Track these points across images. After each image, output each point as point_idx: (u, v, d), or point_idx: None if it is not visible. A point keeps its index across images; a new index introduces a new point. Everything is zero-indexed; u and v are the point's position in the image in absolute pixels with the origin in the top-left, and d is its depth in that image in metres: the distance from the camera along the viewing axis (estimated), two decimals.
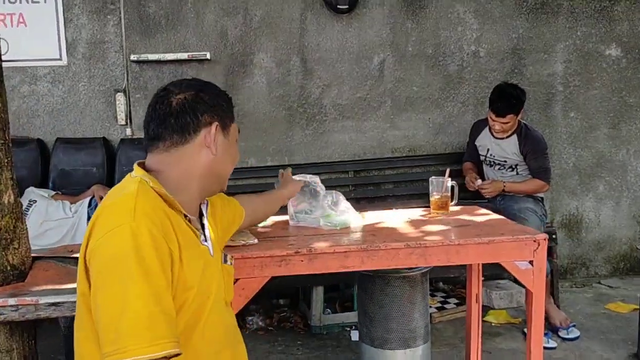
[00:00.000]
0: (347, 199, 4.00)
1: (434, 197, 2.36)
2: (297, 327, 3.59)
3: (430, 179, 2.38)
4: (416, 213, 2.42)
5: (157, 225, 1.13)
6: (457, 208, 2.47)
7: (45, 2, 3.83)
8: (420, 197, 4.03)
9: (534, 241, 1.97)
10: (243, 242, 1.93)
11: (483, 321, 3.09)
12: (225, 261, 1.48)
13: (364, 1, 3.98)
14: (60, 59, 3.89)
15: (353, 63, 4.06)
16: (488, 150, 3.68)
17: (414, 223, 2.22)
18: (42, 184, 3.77)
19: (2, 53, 3.81)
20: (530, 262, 2.00)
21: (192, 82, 1.36)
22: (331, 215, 2.14)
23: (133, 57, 3.85)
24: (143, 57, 3.85)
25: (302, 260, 1.89)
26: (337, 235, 2.04)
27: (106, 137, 3.92)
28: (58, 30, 3.86)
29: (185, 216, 1.27)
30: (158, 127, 1.30)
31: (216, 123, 1.32)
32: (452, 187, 2.39)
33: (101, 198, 3.30)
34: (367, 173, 4.16)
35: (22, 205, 2.02)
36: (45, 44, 3.86)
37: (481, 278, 2.50)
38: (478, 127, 3.78)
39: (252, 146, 4.02)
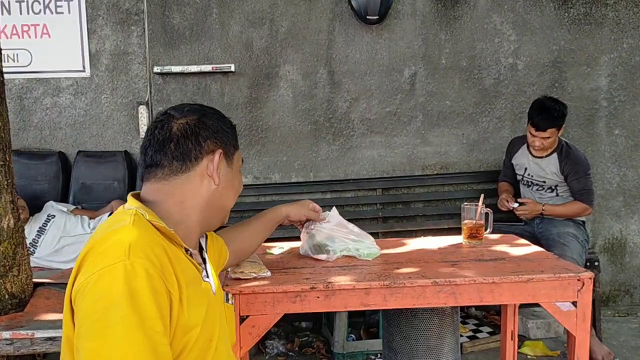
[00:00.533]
0: (375, 218, 3.91)
1: (467, 224, 2.17)
2: (319, 353, 3.41)
3: (462, 205, 2.19)
4: (446, 242, 2.22)
5: (154, 264, 0.99)
6: (493, 237, 2.27)
7: (69, 12, 3.77)
8: (452, 217, 3.84)
9: (578, 280, 1.76)
10: (254, 274, 1.77)
11: (518, 353, 2.87)
12: (227, 300, 1.33)
13: (394, 11, 3.81)
14: (83, 71, 3.83)
15: (383, 76, 3.89)
16: (526, 169, 3.46)
17: (444, 255, 2.03)
18: (63, 197, 3.70)
19: (26, 64, 3.80)
20: (574, 303, 1.79)
21: (194, 107, 1.23)
22: (359, 247, 1.97)
23: (156, 69, 3.76)
24: (166, 69, 3.75)
25: (318, 297, 1.72)
26: (357, 268, 1.86)
27: (128, 150, 3.83)
28: (82, 42, 3.80)
29: (187, 250, 1.13)
30: (156, 154, 1.17)
31: (220, 150, 1.20)
32: (487, 214, 2.19)
33: None
34: (396, 191, 3.97)
35: (23, 230, 1.91)
36: (68, 56, 3.81)
37: (517, 315, 2.29)
38: (515, 144, 3.56)
39: (277, 161, 3.88)
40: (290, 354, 3.40)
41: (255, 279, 1.76)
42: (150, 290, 0.96)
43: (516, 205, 3.38)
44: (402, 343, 2.33)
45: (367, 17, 3.73)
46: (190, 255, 1.14)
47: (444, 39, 3.88)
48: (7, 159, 1.81)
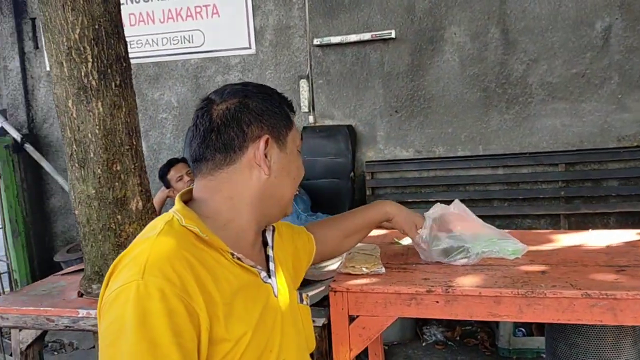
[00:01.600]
0: (556, 198, 3.39)
1: None
2: (482, 345, 3.10)
3: None
4: (621, 237, 1.78)
5: (172, 282, 0.86)
6: None
7: None
8: None
9: None
10: (366, 270, 1.58)
11: None
12: (301, 300, 1.16)
13: None
14: (249, 48, 3.90)
15: (568, 31, 3.31)
16: None
17: (611, 256, 1.61)
18: None
19: (200, 44, 3.99)
20: None
21: (235, 88, 1.05)
22: (502, 244, 1.64)
23: (316, 41, 3.68)
24: (326, 40, 3.65)
25: (437, 302, 1.47)
26: (490, 269, 1.56)
27: None
28: (247, 19, 3.87)
29: (233, 255, 0.99)
30: (200, 147, 1.03)
31: (266, 136, 1.01)
32: None
33: None
34: (584, 167, 3.40)
35: (154, 211, 1.95)
36: (235, 34, 3.91)
37: None
38: None
39: (441, 133, 3.57)
40: (449, 343, 3.14)
41: (367, 275, 1.57)
42: (164, 312, 0.83)
43: None
44: (567, 351, 1.97)
45: None
46: (239, 259, 1.00)
47: None
48: (134, 142, 1.85)
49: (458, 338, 3.18)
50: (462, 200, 3.56)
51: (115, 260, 0.95)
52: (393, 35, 3.53)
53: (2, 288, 3.06)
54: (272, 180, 1.04)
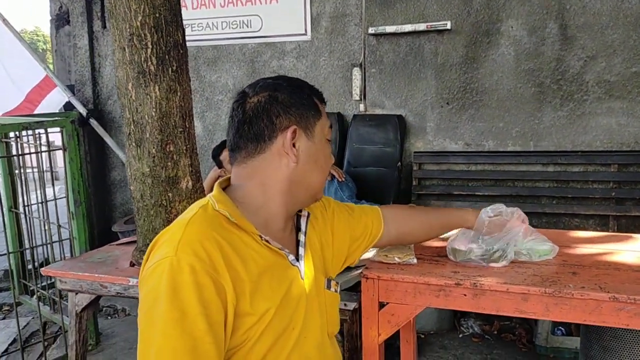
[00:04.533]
0: (606, 198, 3.33)
1: None
2: (519, 341, 3.10)
3: None
4: None
5: (201, 259, 0.96)
6: None
7: None
8: None
9: None
10: (399, 259, 1.63)
11: None
12: (329, 287, 1.23)
13: None
14: (305, 34, 3.97)
15: (630, 28, 3.22)
16: None
17: None
18: None
19: (257, 29, 4.09)
20: None
21: (267, 82, 1.13)
22: (532, 245, 1.64)
23: (371, 29, 3.70)
24: (380, 29, 3.67)
25: (464, 295, 1.51)
26: (521, 267, 1.58)
27: (341, 112, 3.90)
28: (304, 5, 3.93)
29: (261, 237, 1.07)
30: (235, 137, 1.13)
31: (293, 127, 1.09)
32: None
33: (332, 176, 3.27)
34: (638, 168, 3.31)
35: (203, 191, 2.06)
36: (292, 20, 3.98)
37: None
38: None
39: (492, 127, 3.55)
40: (486, 336, 3.16)
41: (399, 264, 1.63)
42: (193, 285, 0.93)
43: None
44: (601, 354, 1.98)
45: None
46: (267, 241, 1.08)
47: None
48: (187, 125, 1.96)
49: (495, 332, 3.20)
50: (509, 196, 3.56)
51: (156, 238, 1.06)
52: (448, 27, 3.52)
53: (63, 254, 3.28)
54: (300, 168, 1.11)
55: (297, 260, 1.15)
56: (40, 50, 28.20)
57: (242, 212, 1.08)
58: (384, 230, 1.47)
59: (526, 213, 1.63)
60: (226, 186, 1.15)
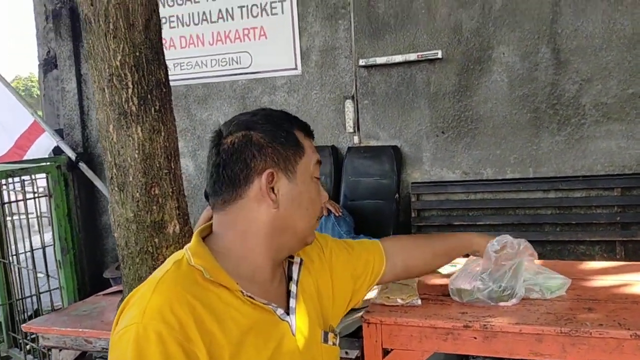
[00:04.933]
0: (611, 224, 3.23)
1: None
2: None
3: None
4: None
5: (171, 327, 0.86)
6: None
7: (282, 13, 3.90)
8: None
9: None
10: (401, 301, 1.53)
11: None
12: (326, 340, 1.12)
13: None
14: (295, 69, 3.93)
15: (624, 50, 3.17)
16: None
17: None
18: None
19: (247, 66, 4.05)
20: None
21: (242, 119, 1.04)
22: (541, 281, 1.53)
23: (361, 61, 3.66)
24: (371, 61, 3.63)
25: (474, 337, 1.41)
26: (533, 304, 1.48)
27: (335, 145, 3.83)
28: (294, 40, 3.90)
29: (243, 293, 0.97)
30: (211, 180, 1.04)
31: (268, 170, 0.99)
32: None
33: (328, 211, 3.18)
34: None
35: (192, 234, 1.96)
36: (282, 54, 3.94)
37: None
38: None
39: (489, 155, 3.47)
40: None
41: (402, 306, 1.52)
42: (161, 357, 0.84)
43: None
44: None
45: None
46: (250, 296, 0.98)
47: None
48: (173, 166, 1.87)
49: None
50: (511, 225, 3.45)
51: (128, 296, 0.96)
52: (439, 56, 3.48)
53: (53, 304, 3.16)
54: (283, 213, 1.01)
55: (288, 314, 1.05)
56: (35, 96, 28.33)
57: (223, 265, 0.98)
58: (388, 265, 1.34)
59: (529, 242, 1.52)
60: (207, 234, 1.06)
